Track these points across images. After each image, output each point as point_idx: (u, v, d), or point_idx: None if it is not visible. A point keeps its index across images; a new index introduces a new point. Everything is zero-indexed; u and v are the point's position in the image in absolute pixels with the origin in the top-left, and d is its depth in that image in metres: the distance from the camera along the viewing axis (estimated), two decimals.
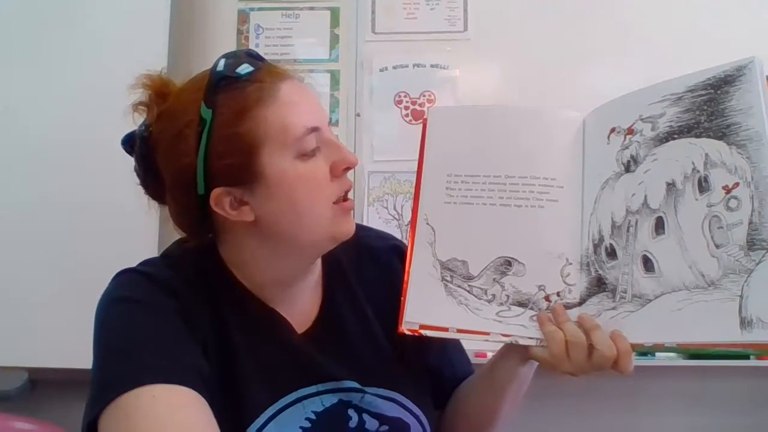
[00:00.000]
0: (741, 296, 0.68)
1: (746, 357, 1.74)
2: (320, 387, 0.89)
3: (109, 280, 0.87)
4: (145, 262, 0.90)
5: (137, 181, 0.92)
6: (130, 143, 0.90)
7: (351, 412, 0.90)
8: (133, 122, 0.90)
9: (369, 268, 1.02)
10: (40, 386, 1.81)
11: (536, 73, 1.88)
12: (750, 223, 0.69)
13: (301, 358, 0.90)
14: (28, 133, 1.75)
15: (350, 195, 0.91)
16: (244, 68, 0.83)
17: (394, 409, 0.93)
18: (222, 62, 0.84)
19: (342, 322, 0.96)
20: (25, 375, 1.76)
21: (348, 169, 0.88)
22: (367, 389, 0.91)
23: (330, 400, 0.89)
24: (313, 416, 0.87)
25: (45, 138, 1.74)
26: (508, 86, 1.92)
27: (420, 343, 0.92)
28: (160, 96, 0.87)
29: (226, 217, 0.85)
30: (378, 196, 1.90)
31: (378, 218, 1.90)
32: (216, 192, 0.83)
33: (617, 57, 1.86)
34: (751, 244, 0.68)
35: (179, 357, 0.78)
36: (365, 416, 0.90)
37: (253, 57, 0.87)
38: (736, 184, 0.71)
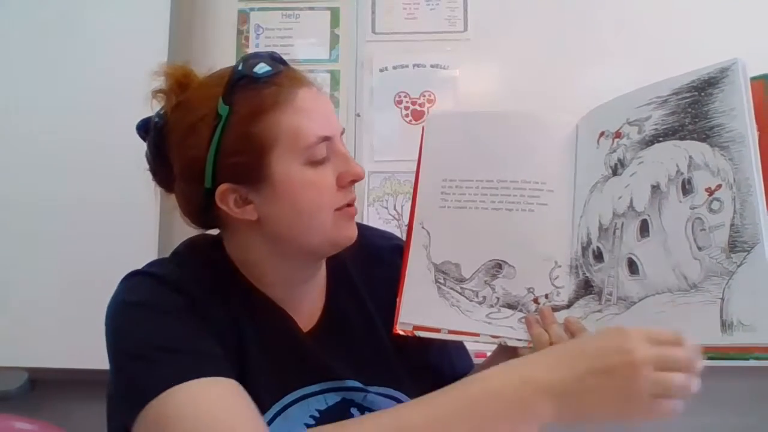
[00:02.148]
0: (722, 299, 0.68)
1: (746, 357, 1.73)
2: (324, 385, 0.89)
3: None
4: (153, 263, 0.90)
5: (146, 167, 0.92)
6: (144, 128, 0.91)
7: (354, 410, 0.90)
8: (151, 109, 0.90)
9: (373, 267, 1.02)
10: (40, 386, 1.81)
11: (536, 73, 1.88)
12: (732, 225, 0.69)
13: (307, 356, 0.90)
14: (28, 133, 1.76)
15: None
16: (265, 69, 0.84)
17: None
18: (244, 62, 0.85)
19: (345, 320, 0.96)
20: (25, 375, 1.76)
21: (354, 181, 0.89)
22: (369, 388, 0.92)
23: (333, 398, 0.89)
24: (317, 414, 0.87)
25: (45, 138, 1.75)
26: (508, 86, 1.92)
27: (421, 342, 0.92)
28: (179, 86, 0.88)
29: (229, 214, 0.86)
30: (378, 196, 1.91)
31: (378, 218, 1.90)
32: (222, 188, 0.84)
33: (617, 57, 1.86)
34: (733, 247, 0.68)
35: (203, 350, 0.78)
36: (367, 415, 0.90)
37: (276, 60, 0.88)
38: (719, 186, 0.70)
